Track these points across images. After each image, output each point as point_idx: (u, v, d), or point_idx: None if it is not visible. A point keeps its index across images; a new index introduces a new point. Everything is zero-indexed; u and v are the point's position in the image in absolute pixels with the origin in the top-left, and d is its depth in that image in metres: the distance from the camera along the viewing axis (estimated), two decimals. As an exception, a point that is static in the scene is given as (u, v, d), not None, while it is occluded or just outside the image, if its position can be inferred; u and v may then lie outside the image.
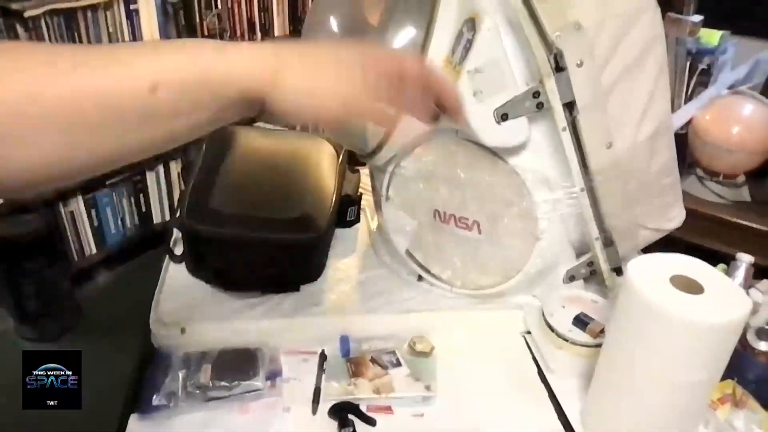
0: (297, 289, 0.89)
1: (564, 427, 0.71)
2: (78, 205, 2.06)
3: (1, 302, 1.13)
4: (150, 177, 2.31)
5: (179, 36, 2.26)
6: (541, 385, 0.77)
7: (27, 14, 1.80)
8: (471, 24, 0.67)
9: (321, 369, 0.78)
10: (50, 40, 1.89)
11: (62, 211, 2.02)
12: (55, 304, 1.09)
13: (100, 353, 0.94)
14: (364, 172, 1.11)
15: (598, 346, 0.71)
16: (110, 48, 0.51)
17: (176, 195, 2.36)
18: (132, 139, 0.44)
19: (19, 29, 1.81)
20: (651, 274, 0.62)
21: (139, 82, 0.42)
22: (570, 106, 0.70)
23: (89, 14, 1.97)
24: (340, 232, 1.03)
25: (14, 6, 1.78)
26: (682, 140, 1.48)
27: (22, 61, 0.40)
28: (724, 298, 0.59)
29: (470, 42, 0.67)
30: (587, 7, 0.68)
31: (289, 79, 0.47)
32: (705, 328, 0.57)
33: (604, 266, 0.82)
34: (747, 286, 0.85)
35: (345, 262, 0.97)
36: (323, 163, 1.01)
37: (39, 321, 1.06)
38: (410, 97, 0.54)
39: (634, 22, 0.72)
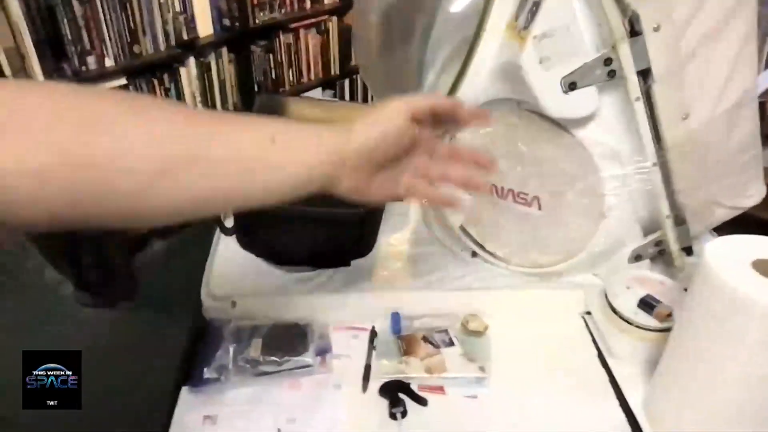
0: (348, 264, 0.87)
1: (626, 416, 0.68)
2: (133, 174, 2.10)
3: (62, 270, 1.16)
4: (202, 147, 2.34)
5: (229, 5, 2.25)
6: (602, 370, 0.74)
7: (82, -14, 1.82)
8: (538, -15, 0.62)
9: (371, 346, 0.76)
10: (104, 14, 1.92)
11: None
12: (112, 273, 1.12)
13: (153, 323, 0.95)
14: (417, 144, 1.08)
15: (665, 330, 0.67)
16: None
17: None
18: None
19: (75, 2, 1.83)
20: (731, 258, 0.57)
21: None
22: (644, 75, 0.64)
23: (142, -14, 1.98)
24: (391, 206, 1.00)
25: (70, -22, 1.80)
26: (761, 109, 1.38)
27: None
28: (814, 286, 0.54)
29: (537, 5, 0.62)
30: (666, -36, 0.62)
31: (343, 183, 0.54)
32: (793, 318, 0.52)
33: (674, 246, 0.77)
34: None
35: (396, 237, 0.95)
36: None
37: (97, 289, 1.09)
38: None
39: (719, -20, 0.65)
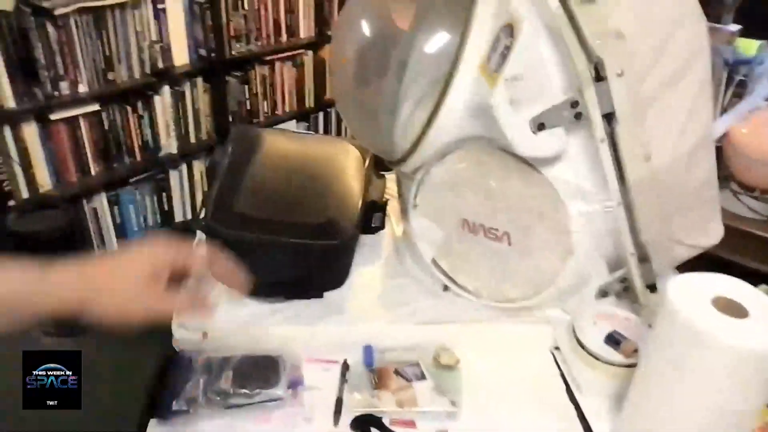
0: (320, 296, 0.87)
1: (594, 450, 0.69)
2: (101, 201, 2.07)
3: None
4: (173, 176, 2.32)
5: (206, 35, 2.26)
6: (570, 404, 0.75)
7: (57, 12, 1.82)
8: (509, 30, 0.65)
9: (343, 379, 0.76)
10: (79, 40, 1.91)
11: (85, 207, 2.03)
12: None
13: (120, 352, 0.93)
14: (390, 177, 1.09)
15: (631, 366, 0.69)
16: None
17: (199, 194, 2.36)
18: None
19: (49, 27, 1.83)
20: (692, 295, 0.59)
21: None
22: (609, 117, 0.67)
23: (117, 13, 1.98)
24: (364, 239, 1.01)
25: (45, 4, 1.80)
26: (717, 153, 1.44)
27: None
28: (770, 323, 0.56)
29: (508, 49, 0.65)
30: (629, 15, 0.66)
31: (95, 301, 0.56)
32: (751, 354, 0.54)
33: (638, 282, 0.79)
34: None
35: (369, 269, 0.96)
36: (349, 167, 1.00)
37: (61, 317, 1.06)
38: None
39: (677, 32, 0.69)
